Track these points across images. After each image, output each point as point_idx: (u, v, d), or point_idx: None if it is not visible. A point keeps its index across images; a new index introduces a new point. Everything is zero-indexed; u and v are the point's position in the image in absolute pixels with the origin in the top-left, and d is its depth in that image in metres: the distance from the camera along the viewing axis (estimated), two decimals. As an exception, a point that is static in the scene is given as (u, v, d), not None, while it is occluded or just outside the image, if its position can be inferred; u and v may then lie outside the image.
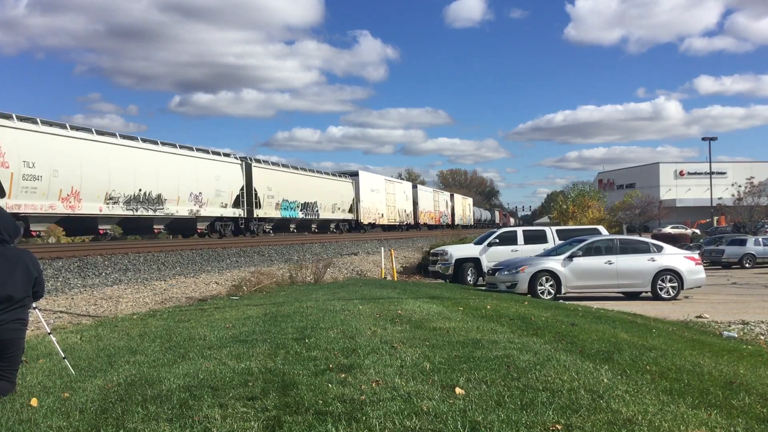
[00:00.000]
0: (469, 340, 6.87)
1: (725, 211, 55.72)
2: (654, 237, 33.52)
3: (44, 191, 21.37)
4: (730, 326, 11.27)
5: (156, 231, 28.61)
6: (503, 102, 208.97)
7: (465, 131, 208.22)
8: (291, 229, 38.37)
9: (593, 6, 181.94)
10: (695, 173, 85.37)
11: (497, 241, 21.76)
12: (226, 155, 32.28)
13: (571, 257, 16.47)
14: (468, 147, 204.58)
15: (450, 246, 24.28)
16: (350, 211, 45.42)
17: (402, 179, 74.05)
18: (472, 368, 5.39)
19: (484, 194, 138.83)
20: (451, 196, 78.32)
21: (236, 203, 31.59)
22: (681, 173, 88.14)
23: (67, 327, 9.28)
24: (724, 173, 77.57)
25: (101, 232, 26.34)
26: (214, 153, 31.13)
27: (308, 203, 39.52)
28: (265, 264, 19.79)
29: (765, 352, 8.16)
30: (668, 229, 55.31)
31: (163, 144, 27.77)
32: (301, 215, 38.42)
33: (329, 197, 42.35)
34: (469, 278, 21.15)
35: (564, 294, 16.18)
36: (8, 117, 20.43)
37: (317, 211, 40.76)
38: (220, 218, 30.62)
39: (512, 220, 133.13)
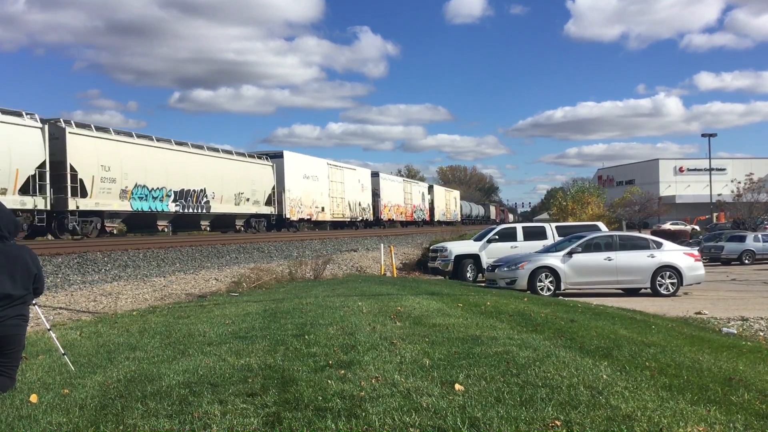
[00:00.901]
0: (469, 336, 6.87)
1: (725, 207, 55.71)
2: (653, 233, 33.49)
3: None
4: (729, 323, 11.28)
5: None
6: (503, 98, 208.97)
7: (465, 128, 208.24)
8: (161, 228, 28.10)
9: (593, 2, 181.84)
10: (695, 170, 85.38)
11: (497, 237, 21.76)
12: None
13: (570, 254, 16.48)
14: (468, 143, 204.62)
15: (450, 242, 24.28)
16: (269, 203, 34.56)
17: (358, 167, 57.08)
18: (472, 364, 5.40)
19: (484, 190, 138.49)
20: (430, 187, 68.76)
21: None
22: (680, 170, 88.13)
23: (67, 323, 9.28)
24: (724, 169, 77.59)
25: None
26: None
27: (190, 191, 28.67)
28: (265, 260, 19.79)
29: (764, 348, 8.16)
30: (668, 226, 55.24)
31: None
32: (174, 208, 27.80)
33: (231, 184, 31.39)
34: (468, 275, 21.16)
35: (563, 290, 16.19)
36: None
37: (206, 202, 29.91)
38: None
39: (511, 217, 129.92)
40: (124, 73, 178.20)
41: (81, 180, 22.80)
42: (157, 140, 27.85)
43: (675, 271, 16.31)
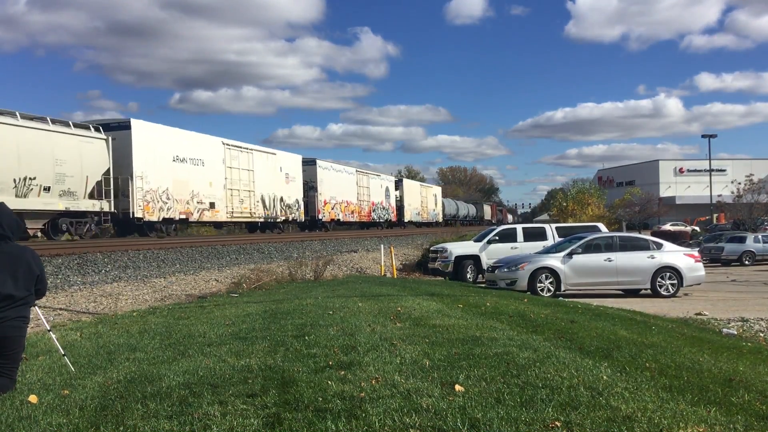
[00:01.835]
0: (469, 337, 6.87)
1: (725, 208, 55.66)
2: (653, 234, 33.50)
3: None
4: (729, 323, 11.28)
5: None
6: (503, 99, 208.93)
7: (465, 128, 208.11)
8: None
9: (594, 3, 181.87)
10: (695, 170, 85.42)
11: (497, 238, 21.79)
12: None
13: (570, 254, 16.48)
14: (468, 144, 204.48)
15: (450, 243, 24.31)
16: (99, 195, 22.57)
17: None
18: (472, 365, 5.39)
19: (484, 191, 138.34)
20: (398, 182, 57.13)
21: None
22: (681, 170, 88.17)
23: (67, 324, 9.28)
24: (724, 170, 77.63)
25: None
26: None
27: None
28: (265, 261, 19.79)
29: (764, 349, 8.16)
30: (668, 227, 55.30)
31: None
32: None
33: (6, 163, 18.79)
34: (468, 275, 21.17)
35: (563, 291, 16.19)
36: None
37: None
38: None
39: (511, 217, 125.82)
40: (124, 73, 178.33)
41: None
42: None
43: (675, 272, 16.31)
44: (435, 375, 5.05)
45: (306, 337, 6.82)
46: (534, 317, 8.90)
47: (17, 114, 19.84)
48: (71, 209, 21.34)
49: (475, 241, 22.77)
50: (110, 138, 23.09)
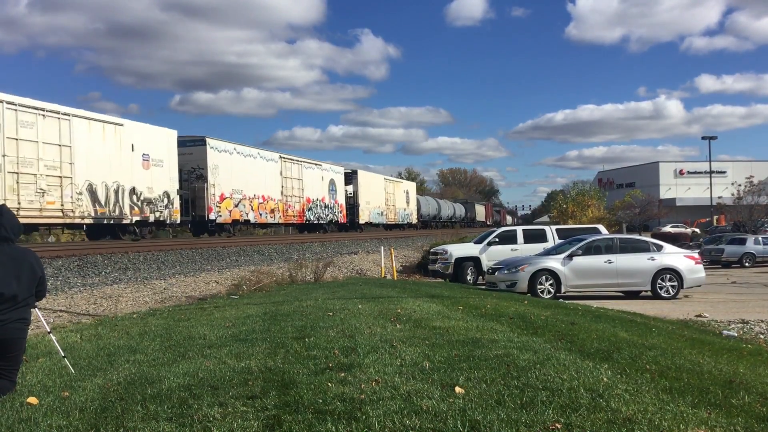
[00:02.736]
0: (469, 339, 6.87)
1: (725, 210, 55.66)
2: (654, 236, 33.50)
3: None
4: (729, 325, 11.27)
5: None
6: (504, 101, 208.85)
7: (465, 130, 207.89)
8: None
9: (594, 5, 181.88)
10: (695, 172, 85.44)
11: (497, 240, 21.79)
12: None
13: (570, 256, 16.48)
14: (468, 146, 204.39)
15: (450, 245, 24.31)
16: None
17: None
18: (472, 367, 5.39)
19: (484, 193, 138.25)
20: (351, 174, 45.80)
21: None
22: (681, 172, 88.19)
23: (67, 326, 9.28)
24: (724, 172, 77.64)
25: None
26: None
27: None
28: (265, 263, 19.79)
29: (765, 351, 8.16)
30: (668, 228, 55.35)
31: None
32: None
33: None
34: (468, 277, 21.17)
35: (564, 293, 16.18)
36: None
37: None
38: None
39: (510, 219, 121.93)
40: (124, 75, 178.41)
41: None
42: None
43: (675, 274, 16.31)
44: (435, 377, 5.05)
45: (306, 339, 6.81)
46: (534, 319, 8.89)
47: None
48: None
49: (476, 242, 22.78)
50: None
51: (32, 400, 4.64)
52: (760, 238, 31.09)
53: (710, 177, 63.76)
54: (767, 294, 17.43)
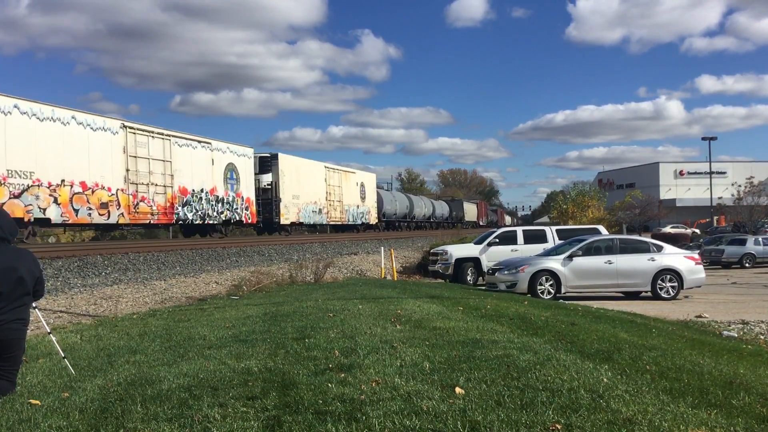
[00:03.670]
0: (469, 339, 6.87)
1: (725, 210, 55.74)
2: (654, 237, 33.51)
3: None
4: (729, 326, 11.27)
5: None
6: (504, 101, 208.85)
7: (466, 131, 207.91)
8: None
9: (595, 6, 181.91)
10: (695, 173, 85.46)
11: (497, 240, 21.80)
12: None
13: (571, 257, 16.48)
14: (469, 147, 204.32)
15: (450, 245, 24.31)
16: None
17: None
18: (472, 368, 5.39)
19: (484, 194, 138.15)
20: (270, 158, 34.64)
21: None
22: (681, 173, 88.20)
23: (67, 326, 9.28)
24: (724, 173, 77.66)
25: None
26: None
27: None
28: (265, 264, 19.79)
29: (765, 351, 8.16)
30: (668, 229, 55.35)
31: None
32: None
33: None
34: (468, 278, 21.17)
35: (564, 294, 16.18)
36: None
37: None
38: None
39: (509, 219, 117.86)
40: (125, 76, 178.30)
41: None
42: None
43: (675, 275, 16.31)
44: (435, 378, 5.05)
45: (306, 340, 6.81)
46: (534, 320, 8.89)
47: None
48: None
49: (476, 243, 22.79)
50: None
51: (32, 401, 4.64)
52: (760, 239, 31.10)
53: (710, 178, 63.80)
54: (767, 295, 17.43)
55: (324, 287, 14.59)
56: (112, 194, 23.29)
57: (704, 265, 18.25)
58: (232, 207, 30.67)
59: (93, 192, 22.54)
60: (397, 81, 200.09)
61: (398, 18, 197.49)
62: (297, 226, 37.62)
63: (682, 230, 55.98)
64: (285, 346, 6.48)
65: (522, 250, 20.78)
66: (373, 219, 48.18)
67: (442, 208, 66.75)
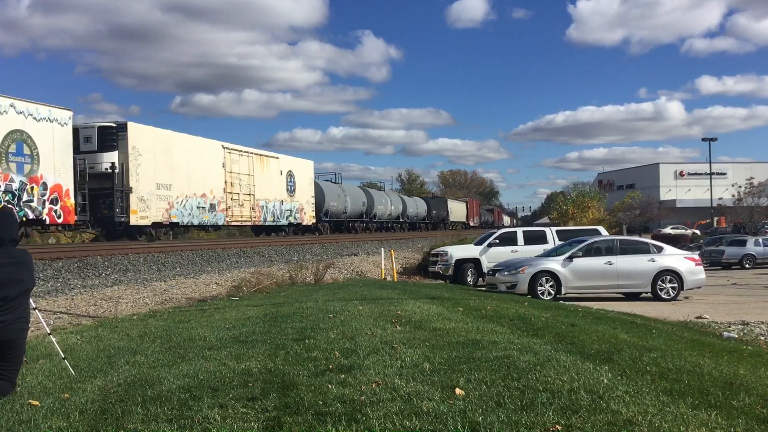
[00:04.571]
0: (469, 340, 6.87)
1: (725, 211, 55.71)
2: (654, 238, 33.49)
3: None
4: (730, 327, 11.27)
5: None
6: (505, 102, 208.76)
7: (466, 132, 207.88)
8: None
9: (595, 7, 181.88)
10: (695, 174, 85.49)
11: (497, 241, 21.81)
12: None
13: (571, 258, 16.47)
14: (469, 147, 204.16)
15: (450, 246, 24.29)
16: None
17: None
18: (472, 369, 5.39)
19: (485, 195, 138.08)
20: (115, 128, 23.91)
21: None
22: (681, 174, 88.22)
23: (67, 327, 9.28)
24: (724, 174, 77.66)
25: None
26: None
27: None
28: (265, 265, 19.78)
29: (765, 352, 8.16)
30: (668, 230, 55.34)
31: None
32: None
33: None
34: (469, 279, 21.16)
35: (564, 295, 16.17)
36: None
37: None
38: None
39: (507, 220, 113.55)
40: (125, 77, 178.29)
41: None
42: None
43: (676, 276, 16.30)
44: (435, 378, 5.05)
45: (306, 341, 6.81)
46: (534, 321, 8.89)
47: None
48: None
49: (476, 244, 22.80)
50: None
51: (33, 402, 4.64)
52: (760, 240, 31.09)
53: (710, 178, 63.81)
54: (767, 296, 17.42)
55: (324, 288, 14.58)
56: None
57: (704, 266, 18.24)
58: (31, 203, 20.09)
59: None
60: (398, 82, 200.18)
61: (399, 19, 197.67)
62: (175, 228, 27.79)
63: (683, 231, 55.98)
64: (285, 347, 6.48)
65: (522, 251, 20.78)
66: (308, 218, 37.71)
67: (417, 207, 57.12)
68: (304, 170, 38.51)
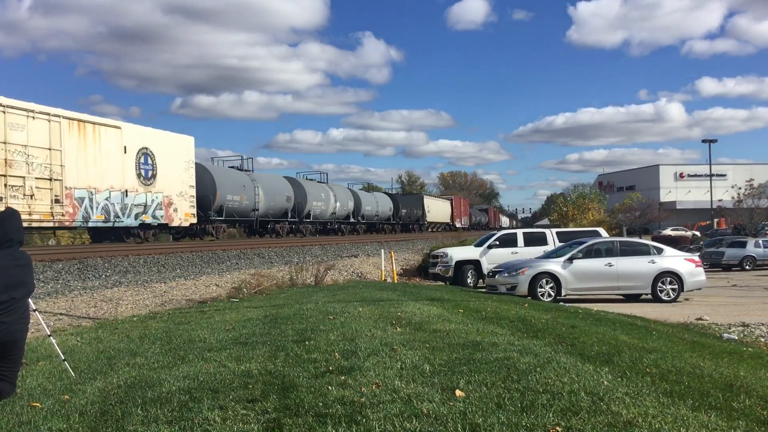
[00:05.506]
0: (470, 342, 6.86)
1: (725, 213, 55.76)
2: (654, 239, 33.51)
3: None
4: (730, 328, 11.27)
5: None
6: (505, 104, 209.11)
7: (466, 133, 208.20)
8: None
9: (595, 9, 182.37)
10: (695, 175, 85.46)
11: (497, 243, 21.82)
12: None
13: (571, 259, 16.47)
14: (469, 149, 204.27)
15: (450, 248, 24.30)
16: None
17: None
18: (473, 370, 5.39)
19: (484, 196, 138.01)
20: None
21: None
22: (681, 175, 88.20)
23: (67, 329, 9.27)
24: (725, 175, 77.71)
25: None
26: None
27: None
28: (266, 266, 19.78)
29: (765, 354, 8.15)
30: (668, 231, 55.31)
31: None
32: None
33: None
34: (469, 280, 21.17)
35: (564, 296, 16.17)
36: None
37: None
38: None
39: (506, 221, 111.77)
40: (126, 78, 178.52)
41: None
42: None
43: (676, 277, 16.30)
44: (435, 380, 5.05)
45: (306, 342, 6.81)
46: (535, 322, 8.89)
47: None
48: None
49: (476, 245, 22.81)
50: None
51: (33, 404, 4.64)
52: (760, 241, 31.06)
53: (710, 180, 63.82)
54: (767, 297, 17.43)
55: (324, 290, 14.58)
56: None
57: (704, 268, 18.23)
58: None
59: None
60: (398, 83, 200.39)
61: (399, 20, 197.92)
62: None
63: (683, 233, 55.91)
64: (285, 349, 6.48)
65: (522, 252, 20.79)
66: (182, 217, 26.07)
67: (377, 204, 45.86)
68: (175, 149, 25.67)
